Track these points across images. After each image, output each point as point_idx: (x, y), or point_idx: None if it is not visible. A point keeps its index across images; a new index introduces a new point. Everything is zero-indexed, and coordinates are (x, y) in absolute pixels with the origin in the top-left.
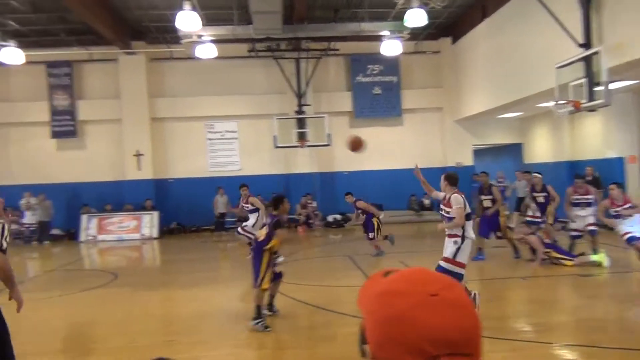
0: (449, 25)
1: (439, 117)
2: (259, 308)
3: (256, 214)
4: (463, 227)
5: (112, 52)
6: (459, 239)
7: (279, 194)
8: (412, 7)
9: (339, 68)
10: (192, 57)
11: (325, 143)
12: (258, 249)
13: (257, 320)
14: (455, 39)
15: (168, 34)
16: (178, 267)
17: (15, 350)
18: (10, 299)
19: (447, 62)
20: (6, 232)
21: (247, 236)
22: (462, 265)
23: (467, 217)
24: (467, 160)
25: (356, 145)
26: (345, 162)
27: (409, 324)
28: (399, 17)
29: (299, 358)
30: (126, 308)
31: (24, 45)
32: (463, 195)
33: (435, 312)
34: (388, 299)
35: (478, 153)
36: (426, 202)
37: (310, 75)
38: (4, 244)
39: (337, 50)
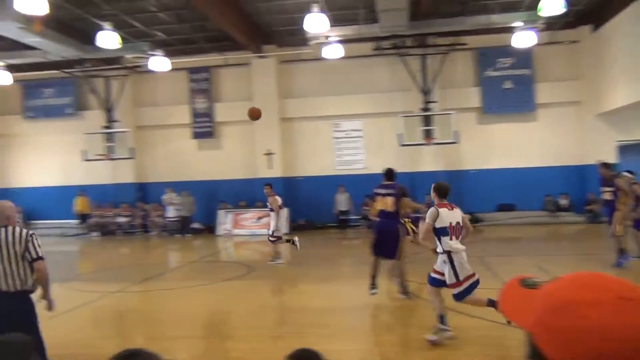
0: (588, 13)
1: (577, 111)
2: (403, 282)
3: (273, 214)
4: (440, 242)
5: (246, 57)
6: (444, 256)
7: (389, 168)
8: None
9: (466, 63)
10: (319, 58)
11: (452, 140)
12: (391, 219)
13: (404, 293)
14: (597, 27)
15: (297, 37)
16: (306, 262)
17: (165, 334)
18: (43, 298)
19: (587, 52)
20: (39, 240)
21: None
22: (460, 284)
23: (442, 231)
24: (610, 157)
25: (254, 114)
26: (473, 160)
27: (617, 334)
28: (533, 6)
29: (426, 358)
30: (260, 299)
31: (169, 53)
32: (449, 208)
33: (637, 317)
34: (578, 311)
35: (625, 150)
36: (562, 202)
37: (437, 72)
38: (43, 254)
39: (465, 44)
